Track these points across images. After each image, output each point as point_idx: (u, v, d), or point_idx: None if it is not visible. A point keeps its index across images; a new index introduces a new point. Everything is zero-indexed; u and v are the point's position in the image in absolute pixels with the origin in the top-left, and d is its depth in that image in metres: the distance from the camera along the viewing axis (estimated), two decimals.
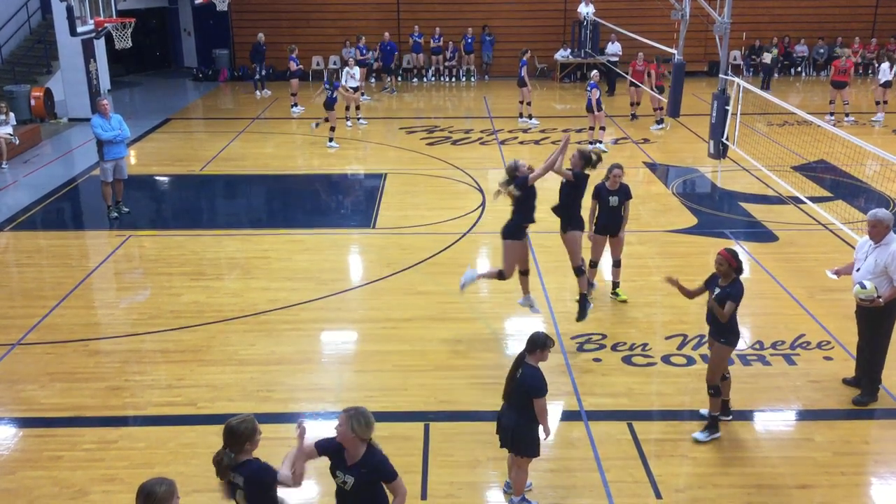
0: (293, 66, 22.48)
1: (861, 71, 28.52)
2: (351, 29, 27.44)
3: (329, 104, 18.15)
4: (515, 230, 9.12)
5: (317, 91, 20.21)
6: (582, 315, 9.52)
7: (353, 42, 26.22)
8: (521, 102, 21.03)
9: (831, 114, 20.73)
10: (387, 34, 26.20)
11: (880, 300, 7.45)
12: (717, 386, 7.33)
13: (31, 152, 18.10)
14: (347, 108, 20.45)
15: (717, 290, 7.13)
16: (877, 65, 28.26)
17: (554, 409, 7.48)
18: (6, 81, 21.50)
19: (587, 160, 9.41)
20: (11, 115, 17.82)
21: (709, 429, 7.43)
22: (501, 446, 6.47)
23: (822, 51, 28.28)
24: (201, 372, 8.71)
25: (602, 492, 6.75)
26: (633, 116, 20.96)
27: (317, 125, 19.57)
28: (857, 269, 7.84)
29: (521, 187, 8.92)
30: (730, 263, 7.06)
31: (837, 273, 8.23)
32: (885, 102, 21.03)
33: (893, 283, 7.49)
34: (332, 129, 18.40)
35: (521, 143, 18.97)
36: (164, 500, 4.50)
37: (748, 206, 14.11)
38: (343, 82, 20.23)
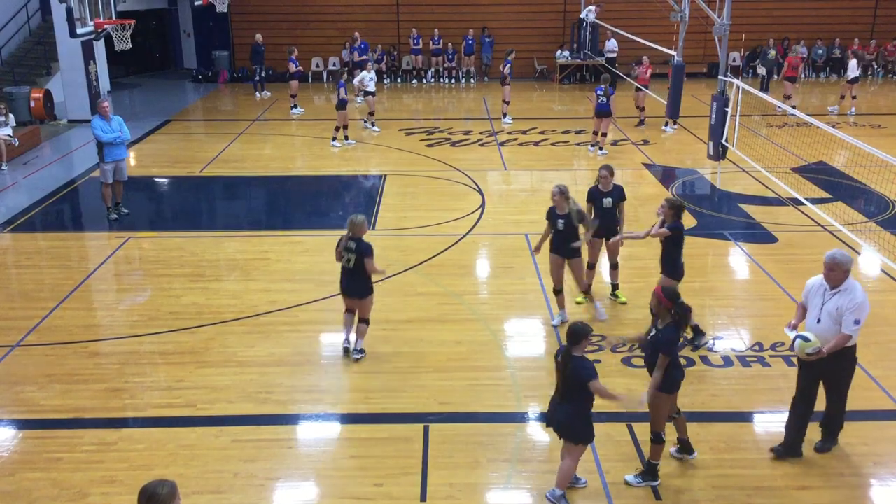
0: (292, 67, 22.53)
1: (860, 72, 28.54)
2: (350, 31, 27.46)
3: (340, 105, 18.23)
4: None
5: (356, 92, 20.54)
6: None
7: (351, 43, 26.26)
8: (505, 101, 21.16)
9: (792, 106, 20.89)
10: (356, 34, 26.23)
11: (823, 352, 6.65)
12: (659, 433, 6.78)
13: (31, 154, 18.11)
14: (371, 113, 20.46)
15: (654, 331, 6.76)
16: (875, 66, 28.49)
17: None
18: (6, 83, 21.51)
19: (678, 209, 8.92)
20: (11, 116, 17.82)
21: (643, 475, 6.89)
22: (561, 437, 6.55)
23: (820, 52, 28.32)
24: (201, 374, 8.71)
25: (602, 493, 6.75)
26: (641, 122, 20.85)
27: (373, 125, 20.20)
28: (818, 320, 6.85)
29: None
30: (660, 301, 6.68)
31: (794, 327, 7.17)
32: (854, 97, 22.13)
33: (842, 331, 6.69)
34: (344, 128, 18.54)
35: (521, 144, 18.98)
36: (165, 501, 4.49)
37: (747, 208, 14.12)
38: (358, 84, 20.23)
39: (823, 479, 6.90)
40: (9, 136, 17.30)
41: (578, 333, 6.33)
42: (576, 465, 6.55)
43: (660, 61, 21.79)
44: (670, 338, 6.59)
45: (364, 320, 9.00)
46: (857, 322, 6.66)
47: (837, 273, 6.74)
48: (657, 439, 6.80)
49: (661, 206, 9.00)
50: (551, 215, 9.48)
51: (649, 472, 6.89)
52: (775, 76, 27.03)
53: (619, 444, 7.40)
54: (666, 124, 20.06)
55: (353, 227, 8.71)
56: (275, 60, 27.31)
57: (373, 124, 20.36)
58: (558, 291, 9.72)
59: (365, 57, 25.13)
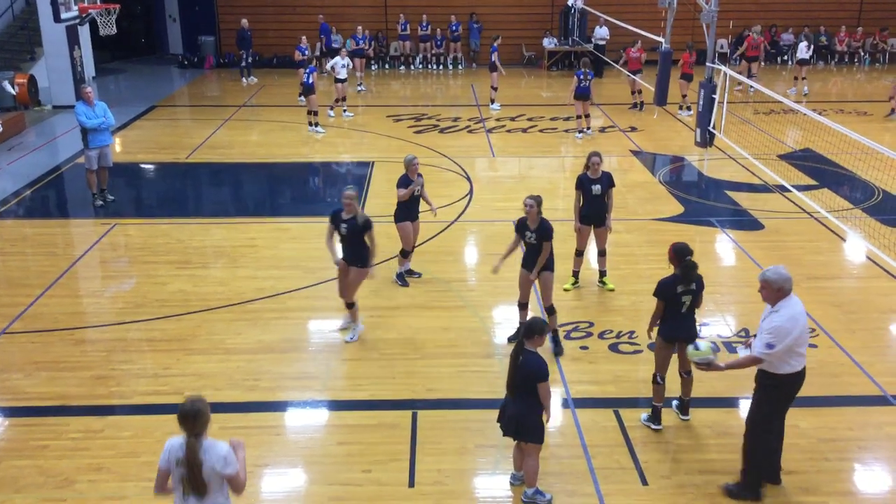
0: (298, 55, 21.63)
1: (847, 59, 28.70)
2: (337, 15, 27.33)
3: (307, 90, 18.11)
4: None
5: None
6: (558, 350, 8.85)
7: (339, 31, 26.08)
8: (493, 88, 21.10)
9: (739, 84, 21.77)
10: (321, 16, 26.16)
11: (721, 366, 6.52)
12: (655, 375, 7.40)
13: (15, 140, 17.93)
14: (337, 100, 20.33)
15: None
16: (862, 54, 28.59)
17: (554, 394, 7.44)
18: None
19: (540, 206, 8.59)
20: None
21: (650, 417, 7.53)
22: (505, 435, 6.51)
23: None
24: (188, 361, 8.68)
25: (588, 478, 6.79)
26: (635, 105, 20.82)
27: (345, 112, 20.08)
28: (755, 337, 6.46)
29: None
30: (669, 257, 7.37)
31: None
32: (804, 78, 22.89)
33: (751, 352, 6.28)
34: (314, 114, 18.43)
35: (509, 131, 18.96)
36: (207, 411, 4.81)
37: (734, 195, 14.17)
38: (329, 69, 19.97)
39: (809, 463, 6.96)
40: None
41: (533, 328, 6.25)
42: (538, 463, 6.47)
43: (647, 48, 21.76)
44: (664, 283, 7.21)
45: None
46: (769, 346, 6.08)
47: (768, 291, 6.21)
48: (654, 380, 7.38)
49: (526, 205, 8.48)
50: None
51: (653, 414, 7.47)
52: (762, 63, 27.09)
53: (606, 430, 7.44)
54: (680, 108, 20.26)
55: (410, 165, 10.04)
56: (261, 46, 27.14)
57: (344, 110, 20.17)
58: (349, 305, 9.24)
59: (348, 46, 24.88)
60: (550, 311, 8.81)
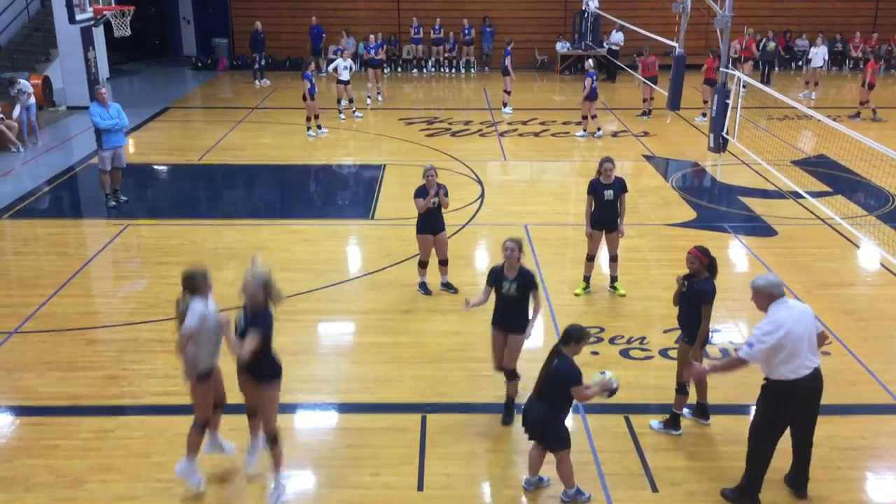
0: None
1: (862, 65, 28.52)
2: (350, 18, 27.40)
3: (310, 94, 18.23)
4: None
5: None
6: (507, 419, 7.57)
7: (350, 33, 26.12)
8: (505, 91, 21.15)
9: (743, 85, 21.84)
10: (314, 18, 26.28)
11: (707, 368, 6.69)
12: (684, 384, 7.32)
13: (29, 140, 18.02)
14: (339, 101, 20.41)
15: (688, 288, 7.17)
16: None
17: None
18: (4, 69, 21.44)
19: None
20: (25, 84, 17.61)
21: (666, 423, 7.44)
22: (530, 439, 6.51)
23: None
24: None
25: (598, 484, 6.76)
26: (646, 113, 20.79)
27: (354, 112, 20.23)
28: None
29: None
30: (700, 261, 7.10)
31: None
32: (816, 83, 23.39)
33: (740, 354, 6.30)
34: (315, 118, 18.55)
35: (521, 135, 18.94)
36: (196, 276, 6.14)
37: (747, 201, 14.10)
38: (331, 71, 19.90)
39: (821, 472, 6.89)
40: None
41: (570, 335, 6.24)
42: (570, 465, 6.46)
43: (660, 52, 21.77)
44: (712, 289, 7.03)
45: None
46: (748, 345, 6.19)
47: (758, 299, 6.34)
48: (681, 390, 7.31)
49: (506, 248, 7.23)
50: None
51: (672, 421, 7.37)
52: (776, 68, 27.01)
53: (617, 436, 7.41)
54: (703, 114, 20.20)
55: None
56: (274, 48, 27.22)
57: (354, 111, 20.26)
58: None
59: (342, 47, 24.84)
60: (512, 375, 7.47)
